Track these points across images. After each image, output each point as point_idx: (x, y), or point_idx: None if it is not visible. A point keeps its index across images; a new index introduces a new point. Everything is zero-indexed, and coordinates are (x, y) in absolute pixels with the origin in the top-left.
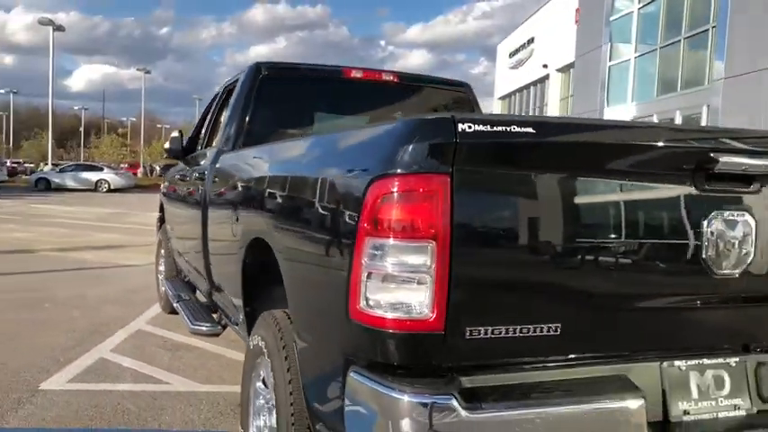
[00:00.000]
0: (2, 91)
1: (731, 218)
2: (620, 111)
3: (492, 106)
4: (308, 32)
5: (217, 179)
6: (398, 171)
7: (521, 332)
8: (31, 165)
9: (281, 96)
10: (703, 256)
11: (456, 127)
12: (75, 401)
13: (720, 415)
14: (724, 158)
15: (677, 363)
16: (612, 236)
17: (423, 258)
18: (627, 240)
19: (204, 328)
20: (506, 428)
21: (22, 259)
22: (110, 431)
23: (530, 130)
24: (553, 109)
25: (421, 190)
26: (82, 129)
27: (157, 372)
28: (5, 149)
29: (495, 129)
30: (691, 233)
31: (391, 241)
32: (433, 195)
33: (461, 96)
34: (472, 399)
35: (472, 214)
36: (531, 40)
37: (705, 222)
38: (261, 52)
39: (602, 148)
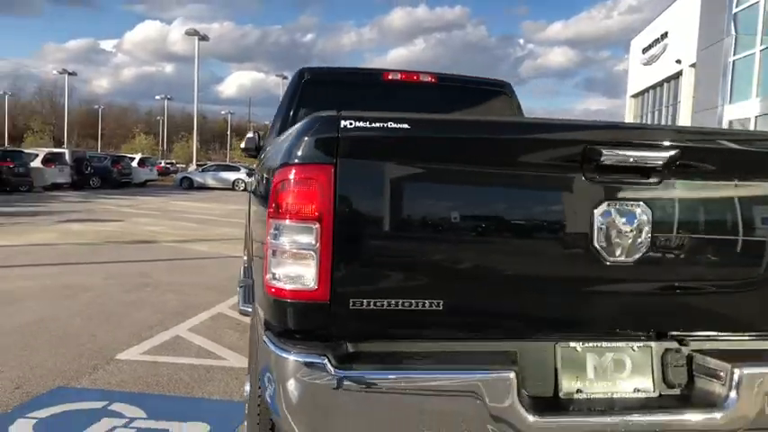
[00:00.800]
0: (158, 97)
1: (624, 208)
2: (744, 107)
3: (625, 105)
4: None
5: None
6: (294, 161)
7: (403, 306)
8: (182, 165)
9: (322, 97)
10: (594, 243)
11: (339, 123)
12: (140, 370)
13: (617, 396)
14: (608, 151)
15: (573, 344)
16: (490, 222)
17: (309, 237)
18: (507, 226)
19: (249, 309)
20: (371, 388)
21: (144, 249)
22: (147, 395)
23: (405, 126)
24: (686, 106)
25: (308, 178)
26: (228, 132)
27: (220, 349)
28: (160, 151)
29: (374, 125)
30: (580, 221)
31: (286, 222)
32: (318, 183)
33: (500, 94)
34: (348, 361)
35: (353, 200)
36: (664, 35)
37: (595, 212)
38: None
39: (470, 142)
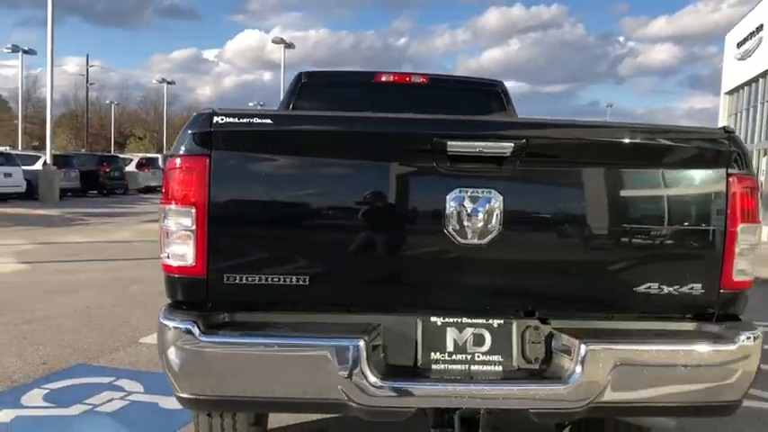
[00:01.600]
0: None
1: (474, 194)
2: None
3: (719, 103)
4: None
5: None
6: (178, 153)
7: (272, 281)
8: None
9: (318, 99)
10: (447, 226)
11: (212, 119)
12: (155, 352)
13: (474, 368)
14: (453, 143)
15: (434, 319)
16: (351, 208)
17: (188, 220)
18: (366, 211)
19: None
20: (231, 350)
21: None
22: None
23: (269, 121)
24: None
25: (187, 168)
26: None
27: None
28: None
29: (242, 120)
30: (434, 207)
31: (171, 206)
32: (195, 172)
33: (492, 93)
34: (222, 328)
35: (225, 187)
36: (759, 28)
37: (448, 198)
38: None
39: (328, 135)
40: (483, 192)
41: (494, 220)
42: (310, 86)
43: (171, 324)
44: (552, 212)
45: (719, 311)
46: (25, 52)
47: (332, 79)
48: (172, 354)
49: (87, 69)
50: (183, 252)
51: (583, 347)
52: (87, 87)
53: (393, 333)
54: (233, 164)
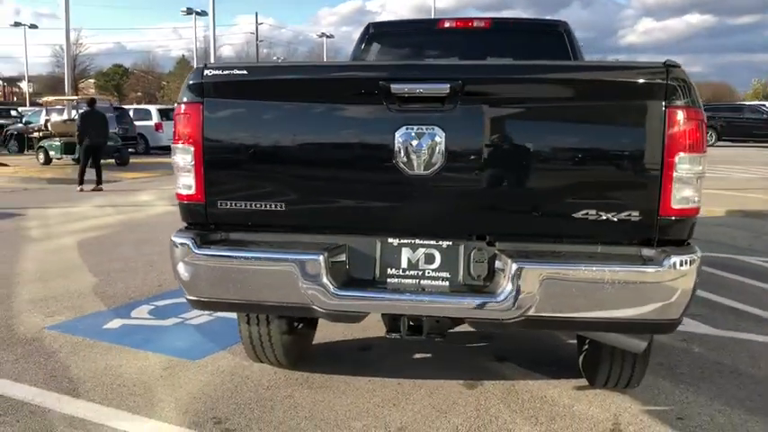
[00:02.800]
0: None
1: (420, 131)
2: None
3: None
4: None
5: None
6: (181, 101)
7: (255, 206)
8: None
9: (384, 48)
10: (396, 159)
11: (203, 72)
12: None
13: (424, 282)
14: (395, 86)
15: (390, 240)
16: (316, 145)
17: (189, 156)
18: (329, 148)
19: None
20: (219, 262)
21: None
22: None
23: (244, 72)
24: None
25: (187, 113)
26: None
27: None
28: None
29: (224, 72)
30: (385, 143)
31: (179, 145)
32: (193, 116)
33: (554, 34)
34: (211, 244)
35: (215, 128)
36: None
37: (396, 134)
38: None
39: (294, 83)
40: (427, 129)
41: (437, 155)
42: (377, 36)
43: (177, 240)
44: (491, 146)
45: (660, 237)
46: (198, 14)
47: (397, 29)
48: (178, 264)
49: (257, 26)
50: (188, 183)
51: (514, 266)
52: (257, 45)
53: (357, 252)
54: (221, 109)
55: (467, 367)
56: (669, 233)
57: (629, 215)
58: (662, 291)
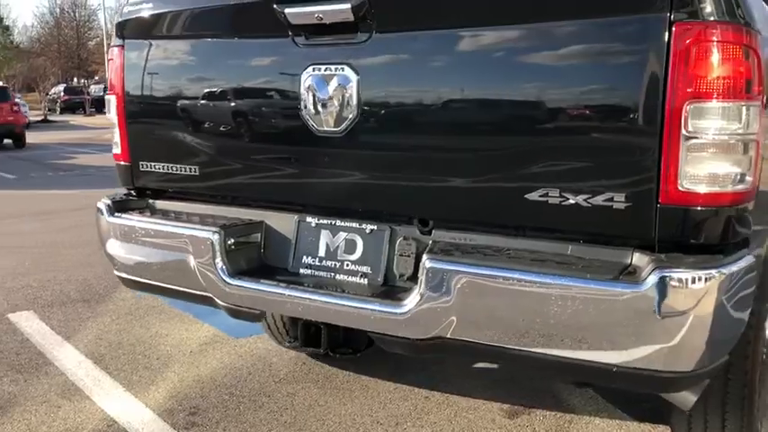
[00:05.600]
0: None
1: (328, 72)
2: None
3: None
4: None
5: None
6: (111, 43)
7: (174, 170)
8: None
9: None
10: (302, 111)
11: (123, 9)
12: None
13: (340, 277)
14: (289, 9)
15: (309, 219)
16: (225, 91)
17: (113, 109)
18: (239, 95)
19: None
20: (124, 233)
21: None
22: None
23: (148, 5)
24: None
25: (111, 58)
26: None
27: None
28: None
29: (138, 6)
30: (291, 88)
31: (108, 96)
32: (115, 62)
33: None
34: (125, 211)
35: (134, 76)
36: None
37: (302, 76)
38: None
39: (201, 14)
40: (336, 68)
41: (349, 105)
42: None
43: (98, 205)
44: (418, 92)
45: (664, 236)
46: None
47: None
48: (99, 230)
49: None
50: (115, 140)
51: (427, 264)
52: None
53: (273, 232)
54: (137, 51)
55: (525, 389)
56: (678, 231)
57: (611, 200)
58: (649, 325)
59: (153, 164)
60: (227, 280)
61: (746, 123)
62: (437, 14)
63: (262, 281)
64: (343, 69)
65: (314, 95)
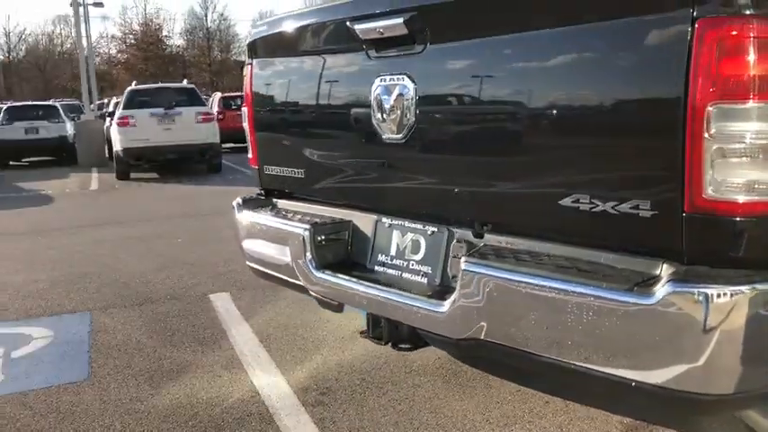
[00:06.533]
0: None
1: (392, 82)
2: None
3: None
4: None
5: None
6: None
7: (285, 173)
8: None
9: None
10: (373, 121)
11: (252, 29)
12: None
13: (406, 275)
14: (359, 26)
15: (385, 219)
16: (318, 104)
17: (246, 119)
18: (328, 107)
19: None
20: (245, 228)
21: None
22: None
23: (265, 28)
24: None
25: (245, 74)
26: None
27: None
28: None
29: (260, 29)
30: (365, 98)
31: (244, 109)
32: (247, 77)
33: None
34: (251, 208)
35: (258, 91)
36: None
37: (372, 87)
38: None
39: (295, 35)
40: (397, 78)
41: (408, 113)
42: None
43: (232, 203)
44: (466, 101)
45: (692, 247)
46: None
47: None
48: (234, 225)
49: None
50: (249, 146)
51: (462, 266)
52: None
53: (358, 230)
54: (261, 69)
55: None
56: (707, 242)
57: (637, 207)
58: (663, 340)
59: (272, 167)
60: (314, 272)
61: None
62: (480, 23)
63: (340, 275)
64: (402, 79)
65: (380, 104)
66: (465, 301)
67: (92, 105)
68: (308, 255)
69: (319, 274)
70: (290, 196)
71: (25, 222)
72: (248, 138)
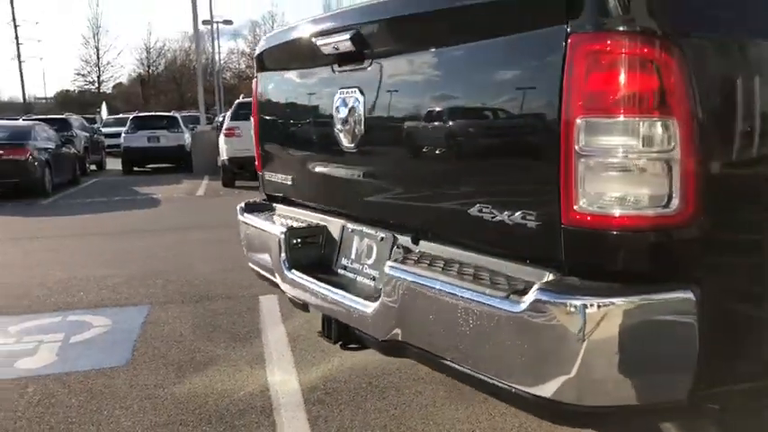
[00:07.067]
0: None
1: (346, 95)
2: None
3: None
4: None
5: None
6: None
7: (276, 179)
8: None
9: None
10: (335, 131)
11: (258, 44)
12: None
13: (359, 279)
14: (320, 41)
15: (349, 225)
16: (295, 115)
17: (252, 128)
18: (303, 118)
19: None
20: (245, 228)
21: None
22: None
23: (263, 43)
24: None
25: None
26: None
27: None
28: None
29: (259, 45)
30: (329, 111)
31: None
32: (254, 90)
33: None
34: (251, 212)
35: (259, 102)
36: None
37: (334, 100)
38: None
39: (280, 49)
40: (350, 92)
41: (358, 125)
42: None
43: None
44: (399, 113)
45: (569, 259)
46: None
47: None
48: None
49: None
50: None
51: (385, 269)
52: None
53: (329, 235)
54: (262, 82)
55: None
56: (584, 255)
57: (525, 217)
58: (537, 349)
59: (269, 174)
60: (286, 272)
61: (662, 141)
62: (403, 41)
63: (305, 276)
64: (354, 92)
65: (339, 116)
66: (386, 304)
67: (219, 117)
68: (283, 255)
69: (289, 275)
70: (285, 201)
71: (126, 223)
72: (254, 146)
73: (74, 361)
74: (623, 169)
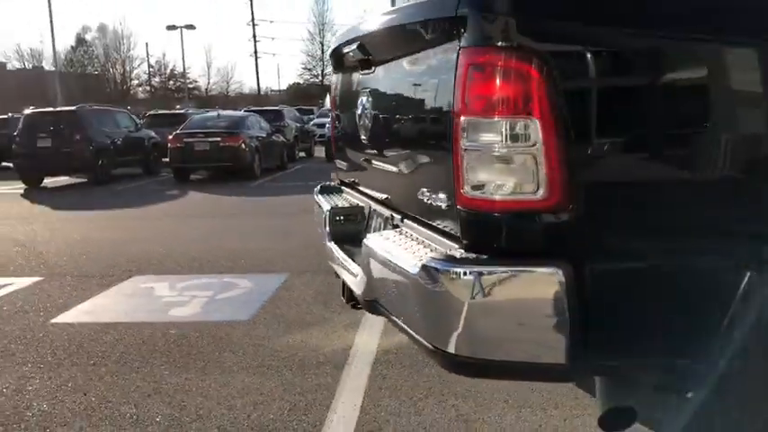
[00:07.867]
0: None
1: (363, 96)
2: None
3: None
4: None
5: None
6: None
7: (341, 166)
8: None
9: None
10: (358, 125)
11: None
12: None
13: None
14: (345, 49)
15: (373, 206)
16: (345, 111)
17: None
18: (348, 114)
19: None
20: (315, 205)
21: None
22: None
23: (333, 43)
24: None
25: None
26: None
27: None
28: None
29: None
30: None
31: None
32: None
33: None
34: (320, 192)
35: (334, 98)
36: None
37: (359, 100)
38: None
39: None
40: (364, 93)
41: (369, 121)
42: None
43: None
44: (385, 113)
45: (465, 236)
46: None
47: None
48: None
49: None
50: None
51: (364, 240)
52: None
53: (365, 214)
54: (334, 80)
55: None
56: (470, 232)
57: (443, 200)
58: (424, 306)
59: (337, 161)
60: (327, 243)
61: (526, 138)
62: (382, 53)
63: (335, 247)
64: (367, 93)
65: (361, 112)
66: (365, 268)
67: None
68: (327, 229)
69: (328, 245)
70: (346, 185)
71: (309, 204)
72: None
73: (212, 313)
74: (495, 161)
